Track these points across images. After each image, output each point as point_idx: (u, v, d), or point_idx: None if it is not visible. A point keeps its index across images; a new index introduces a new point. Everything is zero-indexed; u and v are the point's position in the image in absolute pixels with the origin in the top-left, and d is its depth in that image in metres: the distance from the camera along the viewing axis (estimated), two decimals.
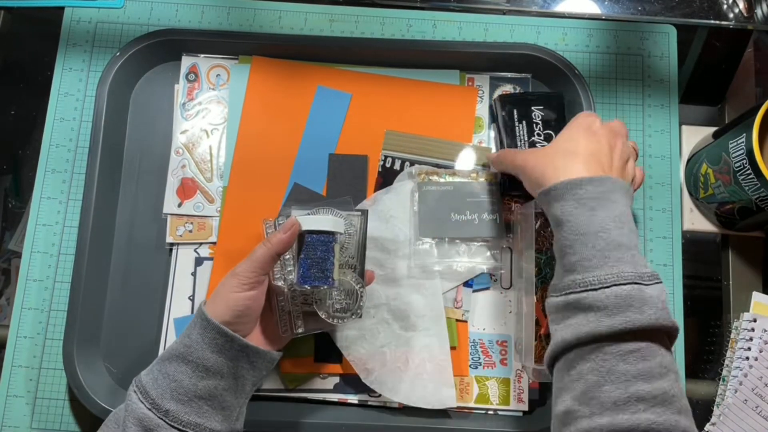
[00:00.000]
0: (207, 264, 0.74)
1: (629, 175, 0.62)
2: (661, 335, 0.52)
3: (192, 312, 0.73)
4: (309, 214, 0.66)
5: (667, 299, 0.52)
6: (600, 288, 0.52)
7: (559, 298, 0.55)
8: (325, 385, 0.72)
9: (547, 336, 0.69)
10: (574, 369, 0.52)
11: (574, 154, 0.59)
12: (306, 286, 0.62)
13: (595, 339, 0.51)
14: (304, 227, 0.62)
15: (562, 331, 0.53)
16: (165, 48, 0.78)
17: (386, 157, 0.76)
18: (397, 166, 0.76)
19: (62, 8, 0.81)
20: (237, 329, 0.58)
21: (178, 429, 0.55)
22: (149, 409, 0.55)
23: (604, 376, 0.50)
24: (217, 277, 0.73)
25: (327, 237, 0.62)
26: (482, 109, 0.78)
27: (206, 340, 0.57)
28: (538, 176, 0.60)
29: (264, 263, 0.60)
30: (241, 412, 0.60)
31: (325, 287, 0.62)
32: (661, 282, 0.53)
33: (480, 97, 0.79)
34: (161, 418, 0.55)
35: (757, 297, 0.74)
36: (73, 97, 0.78)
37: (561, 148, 0.61)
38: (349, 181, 0.76)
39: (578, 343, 0.52)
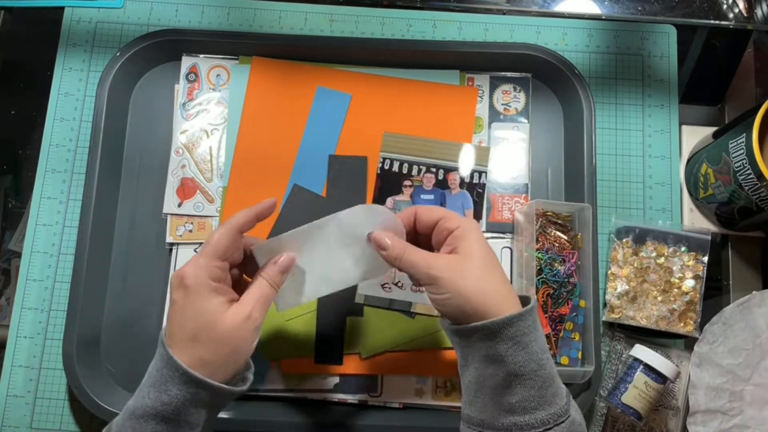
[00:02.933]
0: None
1: None
2: None
3: None
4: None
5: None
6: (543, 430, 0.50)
7: None
8: (325, 385, 0.72)
9: (546, 336, 0.69)
10: None
11: (498, 284, 0.53)
12: None
13: None
14: None
15: None
16: (165, 48, 0.78)
17: (385, 159, 0.76)
18: (395, 168, 0.76)
19: (62, 8, 0.81)
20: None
21: None
22: None
23: None
24: None
25: None
26: (482, 109, 0.78)
27: (189, 398, 0.51)
28: (462, 306, 0.52)
29: (269, 302, 0.56)
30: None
31: None
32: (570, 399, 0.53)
33: (480, 96, 0.79)
34: None
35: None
36: (73, 97, 0.78)
37: (480, 275, 0.53)
38: (349, 182, 0.76)
39: None
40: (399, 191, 0.75)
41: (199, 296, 0.52)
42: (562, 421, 0.51)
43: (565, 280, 0.71)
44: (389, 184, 0.76)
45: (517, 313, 0.51)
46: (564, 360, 0.70)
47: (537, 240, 0.72)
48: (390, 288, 0.72)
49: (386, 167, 0.76)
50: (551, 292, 0.71)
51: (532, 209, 0.71)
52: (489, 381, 0.52)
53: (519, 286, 0.73)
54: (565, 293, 0.71)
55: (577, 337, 0.70)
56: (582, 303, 0.71)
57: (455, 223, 0.56)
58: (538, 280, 0.71)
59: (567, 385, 0.55)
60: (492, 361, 0.51)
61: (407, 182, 0.76)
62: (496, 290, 0.53)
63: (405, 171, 0.76)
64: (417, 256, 0.55)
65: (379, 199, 0.75)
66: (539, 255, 0.71)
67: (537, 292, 0.70)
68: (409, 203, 0.75)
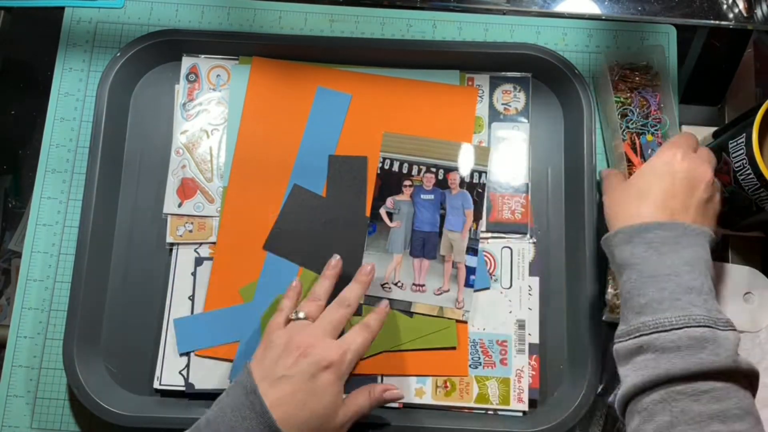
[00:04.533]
0: (207, 264, 0.74)
1: (710, 217, 0.60)
2: (739, 378, 0.49)
3: (192, 312, 0.73)
4: None
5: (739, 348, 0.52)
6: (671, 329, 0.50)
7: (628, 341, 0.53)
8: None
9: None
10: (645, 410, 0.50)
11: (646, 197, 0.58)
12: None
13: (669, 380, 0.49)
14: None
15: (633, 375, 0.52)
16: (165, 48, 0.78)
17: (385, 159, 0.76)
18: (396, 168, 0.76)
19: (62, 8, 0.81)
20: None
21: None
22: None
23: (677, 416, 0.48)
24: (217, 277, 0.73)
25: None
26: (482, 109, 0.78)
27: None
28: (611, 217, 0.60)
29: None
30: None
31: None
32: (735, 329, 0.52)
33: (480, 96, 0.79)
34: None
35: None
36: (73, 97, 0.78)
37: (635, 188, 0.60)
38: (349, 182, 0.76)
39: (651, 385, 0.50)
40: (399, 191, 0.75)
41: (335, 393, 0.57)
42: (697, 326, 0.50)
43: (649, 121, 0.76)
44: (389, 184, 0.75)
45: (655, 221, 0.55)
46: None
47: (616, 87, 0.76)
48: (390, 288, 0.72)
49: (386, 167, 0.76)
50: (639, 133, 0.76)
51: (603, 62, 0.77)
52: (625, 287, 0.55)
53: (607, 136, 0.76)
54: (653, 131, 0.76)
55: None
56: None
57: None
58: (624, 121, 0.75)
59: None
60: (626, 266, 0.55)
61: (407, 182, 0.76)
62: (637, 205, 0.58)
63: (405, 171, 0.76)
64: (610, 173, 0.68)
65: (379, 199, 0.75)
66: (617, 99, 0.75)
67: (624, 134, 0.75)
68: (409, 203, 0.75)
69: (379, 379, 0.72)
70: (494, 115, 0.78)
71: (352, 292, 0.63)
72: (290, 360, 0.57)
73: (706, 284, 0.53)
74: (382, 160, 0.76)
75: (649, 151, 0.75)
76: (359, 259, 0.74)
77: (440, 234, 0.74)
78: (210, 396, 0.70)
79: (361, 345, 0.60)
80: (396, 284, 0.73)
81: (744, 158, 0.66)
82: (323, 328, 0.60)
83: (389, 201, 0.75)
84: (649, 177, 0.60)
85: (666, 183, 0.59)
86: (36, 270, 0.74)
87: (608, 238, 0.58)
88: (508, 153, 0.77)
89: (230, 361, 0.71)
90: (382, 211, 0.75)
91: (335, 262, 0.68)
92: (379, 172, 0.76)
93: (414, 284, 0.73)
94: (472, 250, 0.74)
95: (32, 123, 0.79)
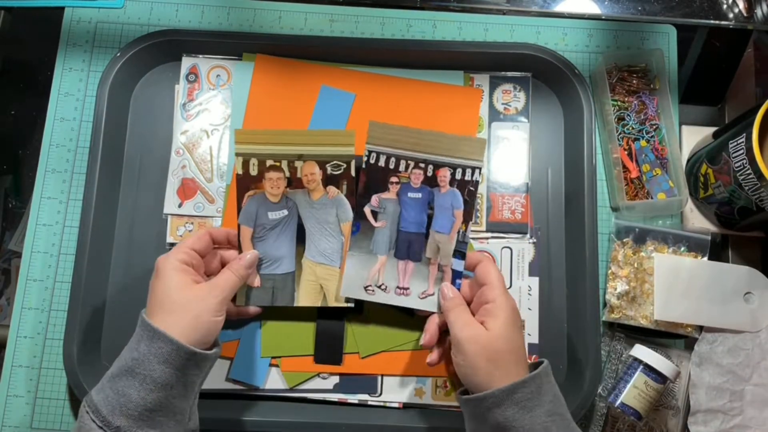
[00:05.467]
0: None
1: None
2: None
3: None
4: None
5: None
6: None
7: None
8: (325, 385, 0.72)
9: (638, 179, 0.75)
10: None
11: (508, 356, 0.58)
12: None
13: None
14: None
15: None
16: (165, 48, 0.78)
17: (371, 152, 0.71)
18: (382, 163, 0.71)
19: (62, 8, 0.81)
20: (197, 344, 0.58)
21: None
22: (100, 428, 0.54)
23: None
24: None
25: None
26: (482, 109, 0.78)
27: (154, 351, 0.56)
28: (470, 376, 0.59)
29: (231, 287, 0.63)
30: (192, 411, 0.60)
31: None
32: None
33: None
34: None
35: None
36: (73, 97, 0.78)
37: (494, 347, 0.59)
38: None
39: None
40: (385, 188, 0.71)
41: (167, 274, 0.60)
42: None
43: (645, 127, 0.76)
44: (375, 180, 0.71)
45: (520, 380, 0.56)
46: (661, 196, 0.75)
47: (613, 89, 0.77)
48: (373, 290, 0.70)
49: (372, 161, 0.71)
50: (634, 139, 0.77)
51: (602, 66, 0.76)
52: None
53: (603, 138, 0.76)
54: (648, 137, 0.77)
55: (659, 172, 0.74)
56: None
57: (491, 296, 0.61)
58: (621, 125, 0.77)
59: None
60: (501, 428, 0.56)
61: (394, 179, 0.71)
62: (507, 363, 0.58)
63: (392, 166, 0.71)
64: (457, 317, 0.63)
65: (365, 196, 0.71)
66: (614, 102, 0.76)
67: (621, 140, 0.76)
68: (395, 201, 0.71)
69: (379, 379, 0.72)
70: (494, 115, 0.78)
71: (226, 282, 0.63)
72: None
73: (563, 417, 0.57)
74: (367, 153, 0.71)
75: (643, 156, 0.75)
76: None
77: (427, 235, 0.70)
78: (210, 396, 0.71)
79: (190, 239, 0.64)
80: (379, 287, 0.70)
81: (744, 158, 0.66)
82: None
83: (374, 199, 0.71)
84: (511, 333, 0.60)
85: (518, 334, 0.61)
86: (36, 270, 0.74)
87: (476, 401, 0.58)
88: (508, 152, 0.77)
89: (230, 359, 0.71)
90: (367, 210, 0.71)
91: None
92: (364, 166, 0.71)
93: (398, 287, 0.70)
94: (459, 254, 0.69)
95: (32, 123, 0.79)
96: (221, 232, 0.68)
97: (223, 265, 0.68)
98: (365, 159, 0.71)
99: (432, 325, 0.67)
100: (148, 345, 0.56)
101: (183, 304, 0.59)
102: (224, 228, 0.70)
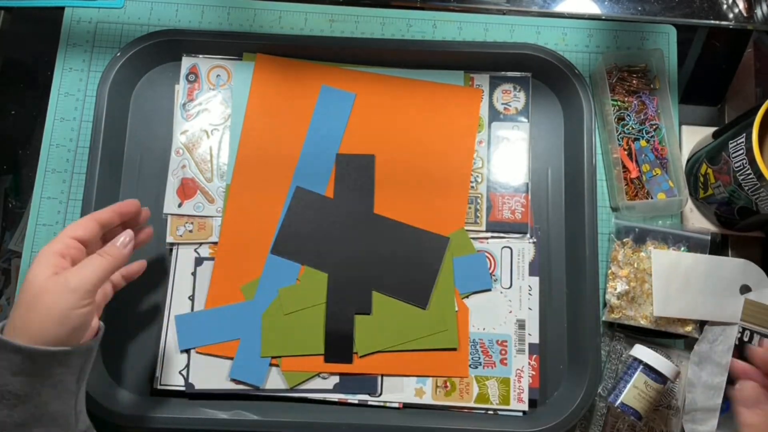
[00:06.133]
0: (207, 264, 0.74)
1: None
2: None
3: (192, 311, 0.73)
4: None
5: None
6: None
7: None
8: (325, 385, 0.72)
9: (638, 179, 0.75)
10: None
11: None
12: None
13: None
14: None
15: None
16: (165, 48, 0.78)
17: (744, 329, 0.71)
18: (755, 343, 0.71)
19: (62, 8, 0.81)
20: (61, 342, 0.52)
21: None
22: None
23: None
24: (219, 275, 0.73)
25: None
26: (482, 109, 0.78)
27: (3, 364, 0.49)
28: None
29: (107, 277, 0.56)
30: (79, 411, 0.55)
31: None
32: None
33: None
34: None
35: None
36: (73, 97, 0.78)
37: None
38: (356, 180, 0.75)
39: None
40: None
41: (34, 265, 0.53)
42: None
43: (645, 127, 0.76)
44: (746, 358, 0.68)
45: None
46: (661, 196, 0.74)
47: (613, 90, 0.77)
48: None
49: (745, 339, 0.70)
50: (634, 139, 0.77)
51: (602, 66, 0.76)
52: None
53: (603, 138, 0.76)
54: (648, 137, 0.77)
55: (659, 172, 0.74)
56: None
57: None
58: (620, 125, 0.77)
59: None
60: None
61: None
62: None
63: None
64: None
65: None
66: (614, 102, 0.76)
67: (621, 140, 0.76)
68: None
69: (379, 379, 0.72)
70: (494, 115, 0.78)
71: (90, 266, 0.55)
72: None
73: None
74: (741, 330, 0.71)
75: (643, 156, 0.75)
76: (365, 261, 0.73)
77: None
78: (210, 396, 0.71)
79: (72, 225, 0.58)
80: None
81: (744, 158, 0.66)
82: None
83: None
84: None
85: None
86: None
87: None
88: (508, 152, 0.78)
89: (231, 358, 0.71)
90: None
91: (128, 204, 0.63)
92: (737, 343, 0.70)
93: None
94: None
95: (32, 123, 0.79)
96: (106, 212, 0.61)
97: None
98: (738, 336, 0.71)
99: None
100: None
101: (41, 298, 0.51)
102: (114, 206, 0.62)
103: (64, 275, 0.53)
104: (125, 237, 0.60)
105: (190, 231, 0.74)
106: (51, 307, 0.51)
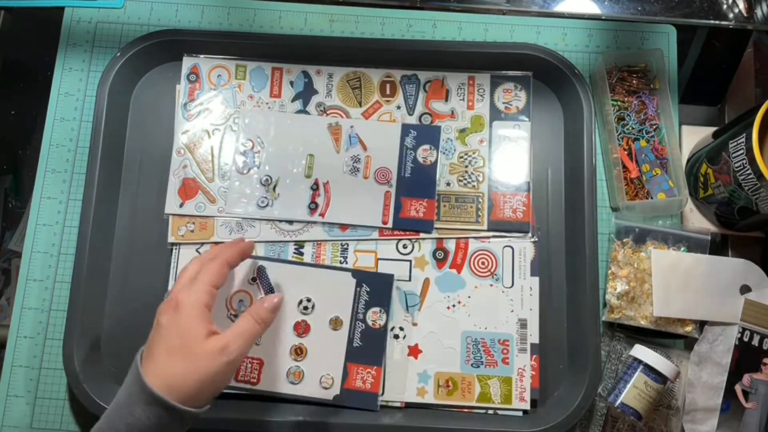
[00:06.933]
0: None
1: None
2: None
3: None
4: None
5: None
6: None
7: None
8: (325, 396, 0.71)
9: (638, 179, 0.75)
10: None
11: None
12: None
13: None
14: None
15: None
16: (165, 48, 0.78)
17: (744, 329, 0.71)
18: (756, 342, 0.71)
19: (62, 8, 0.81)
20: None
21: None
22: None
23: None
24: None
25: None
26: (483, 108, 0.78)
27: (157, 422, 0.51)
28: None
29: (251, 338, 0.58)
30: None
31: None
32: None
33: (481, 95, 0.79)
34: None
35: None
36: (73, 97, 0.78)
37: None
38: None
39: None
40: (757, 368, 0.71)
41: (190, 317, 0.54)
42: None
43: (645, 127, 0.76)
44: (747, 359, 0.71)
45: None
46: (660, 196, 0.74)
47: (613, 90, 0.77)
48: None
49: (745, 339, 0.71)
50: (634, 139, 0.77)
51: (602, 68, 0.76)
52: None
53: (603, 137, 0.77)
54: (648, 137, 0.77)
55: (659, 172, 0.74)
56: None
57: None
58: (620, 125, 0.77)
59: None
60: None
61: (767, 360, 0.72)
62: None
63: (766, 347, 0.72)
64: None
65: (735, 374, 0.71)
66: (614, 102, 0.76)
67: (621, 140, 0.76)
68: (766, 383, 0.71)
69: (381, 378, 0.71)
70: (495, 114, 0.78)
71: (244, 334, 0.57)
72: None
73: None
74: (741, 330, 0.71)
75: (643, 156, 0.75)
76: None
77: None
78: None
79: (213, 274, 0.58)
80: None
81: (744, 158, 0.66)
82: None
83: (746, 378, 0.71)
84: None
85: None
86: (36, 270, 0.74)
87: None
88: (509, 152, 0.78)
89: None
90: (738, 388, 0.71)
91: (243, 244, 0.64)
92: (737, 343, 0.71)
93: None
94: None
95: (32, 123, 0.79)
96: (234, 256, 0.62)
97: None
98: (738, 336, 0.71)
99: None
100: (146, 411, 0.51)
101: (192, 361, 0.53)
102: (236, 249, 0.63)
103: (223, 343, 0.54)
104: (277, 301, 0.61)
105: (192, 231, 0.74)
106: (206, 378, 0.53)
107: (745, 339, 0.71)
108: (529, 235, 0.75)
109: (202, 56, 0.79)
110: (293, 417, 0.70)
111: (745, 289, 0.73)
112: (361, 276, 0.74)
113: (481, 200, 0.76)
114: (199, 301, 0.56)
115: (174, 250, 0.74)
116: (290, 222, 0.75)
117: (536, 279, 0.74)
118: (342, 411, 0.71)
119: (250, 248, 0.66)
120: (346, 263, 0.75)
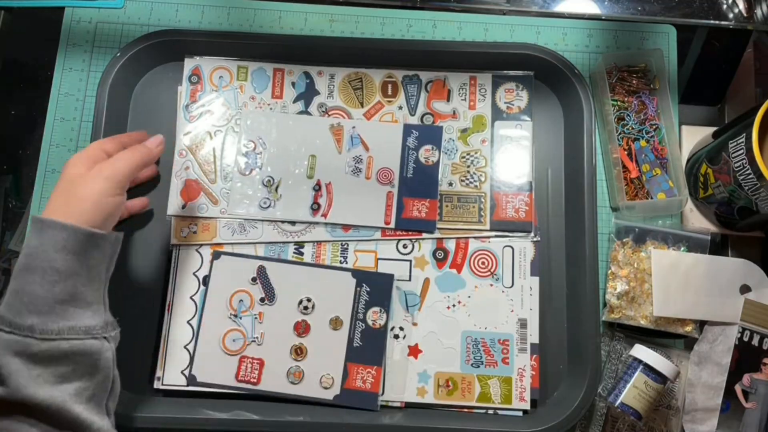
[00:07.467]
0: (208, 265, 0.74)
1: None
2: None
3: (195, 312, 0.73)
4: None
5: None
6: None
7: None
8: (325, 396, 0.72)
9: (638, 179, 0.75)
10: None
11: None
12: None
13: None
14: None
15: None
16: (165, 49, 0.78)
17: (744, 329, 0.71)
18: (756, 342, 0.71)
19: (62, 8, 0.81)
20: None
21: (51, 339, 0.53)
22: (10, 332, 0.52)
23: None
24: None
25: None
26: (485, 107, 0.78)
27: (48, 241, 0.54)
28: None
29: (137, 170, 0.62)
30: (106, 302, 0.59)
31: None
32: None
33: (482, 95, 0.79)
34: (27, 336, 0.52)
35: None
36: (73, 97, 0.78)
37: None
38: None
39: None
40: (757, 368, 0.72)
41: (68, 166, 0.60)
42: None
43: (645, 127, 0.77)
44: (747, 359, 0.71)
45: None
46: (660, 196, 0.75)
47: (613, 90, 0.77)
48: None
49: (745, 339, 0.71)
50: (634, 139, 0.77)
51: (602, 68, 0.76)
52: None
53: (603, 138, 0.77)
54: (648, 137, 0.77)
55: (659, 172, 0.74)
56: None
57: None
58: (620, 125, 0.77)
59: None
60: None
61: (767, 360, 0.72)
62: None
63: (766, 347, 0.72)
64: None
65: (735, 374, 0.71)
66: (615, 102, 0.76)
67: (621, 140, 0.76)
68: (766, 383, 0.71)
69: (381, 378, 0.72)
70: (497, 114, 0.79)
71: (123, 158, 0.62)
72: None
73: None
74: (741, 330, 0.72)
75: (643, 156, 0.76)
76: None
77: None
78: (210, 395, 0.71)
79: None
80: None
81: (744, 158, 0.66)
82: None
83: (746, 378, 0.71)
84: None
85: None
86: None
87: None
88: (511, 151, 0.78)
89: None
90: (738, 388, 0.71)
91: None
92: (737, 343, 0.71)
93: None
94: None
95: (32, 123, 0.79)
96: (132, 135, 0.68)
97: None
98: (738, 335, 0.71)
99: None
100: (38, 237, 0.54)
101: (78, 186, 0.58)
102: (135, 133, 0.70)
103: (98, 167, 0.59)
104: (157, 139, 0.67)
105: (194, 232, 0.74)
106: (87, 194, 0.57)
107: (745, 339, 0.71)
108: (532, 234, 0.75)
109: (203, 57, 0.79)
110: (293, 417, 0.70)
111: (745, 289, 0.73)
112: (361, 276, 0.74)
113: (483, 200, 0.76)
114: (80, 155, 0.60)
115: (174, 252, 0.74)
116: (293, 223, 0.75)
117: (536, 279, 0.75)
118: (342, 411, 0.71)
119: (139, 138, 0.68)
120: (346, 263, 0.75)
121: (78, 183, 0.58)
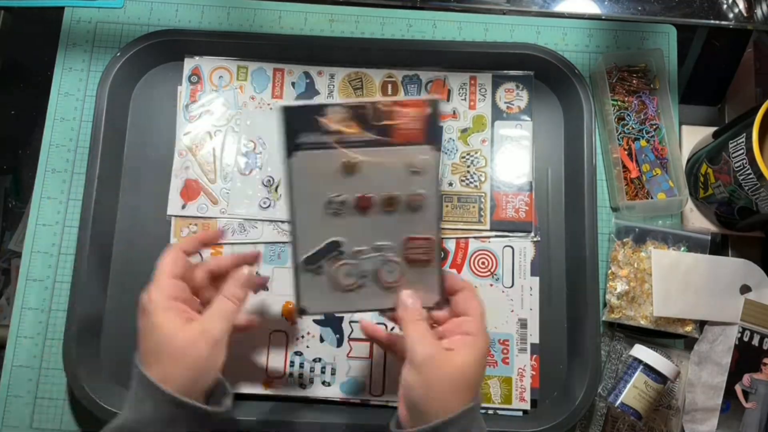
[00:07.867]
0: None
1: None
2: None
3: None
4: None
5: None
6: None
7: None
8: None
9: (638, 179, 0.75)
10: None
11: (476, 385, 0.53)
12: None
13: None
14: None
15: None
16: (165, 48, 0.78)
17: (744, 329, 0.72)
18: (756, 342, 0.71)
19: (62, 8, 0.81)
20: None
21: None
22: None
23: None
24: None
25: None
26: (485, 107, 0.78)
27: (167, 416, 0.51)
28: (426, 400, 0.52)
29: (229, 317, 0.56)
30: None
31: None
32: None
33: (482, 95, 0.79)
34: None
35: None
36: (73, 97, 0.78)
37: (465, 376, 0.52)
38: None
39: None
40: (757, 368, 0.72)
41: (156, 314, 0.54)
42: None
43: (645, 127, 0.77)
44: (747, 359, 0.71)
45: (442, 421, 0.50)
46: (661, 196, 0.75)
47: (613, 90, 0.77)
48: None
49: (745, 339, 0.72)
50: (634, 139, 0.77)
51: (603, 68, 0.76)
52: None
53: (603, 138, 0.78)
54: (648, 137, 0.77)
55: (659, 172, 0.74)
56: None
57: (473, 329, 0.54)
58: (621, 125, 0.77)
59: None
60: None
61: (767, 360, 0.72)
62: (445, 398, 0.52)
63: (766, 347, 0.72)
64: (422, 333, 0.54)
65: (736, 374, 0.71)
66: (615, 102, 0.76)
67: (621, 140, 0.76)
68: (766, 383, 0.72)
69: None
70: (497, 114, 0.79)
71: (220, 315, 0.57)
72: None
73: None
74: (741, 330, 0.72)
75: (643, 156, 0.76)
76: None
77: None
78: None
79: (161, 265, 0.58)
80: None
81: (744, 158, 0.66)
82: None
83: (746, 378, 0.72)
84: (478, 366, 0.54)
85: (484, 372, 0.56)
86: (36, 270, 0.74)
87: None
88: (511, 151, 0.78)
89: None
90: (738, 388, 0.71)
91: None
92: (737, 343, 0.72)
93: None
94: None
95: (32, 123, 0.79)
96: (191, 241, 0.62)
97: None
98: (738, 335, 0.71)
99: (378, 333, 0.63)
100: (155, 407, 0.51)
101: (175, 352, 0.53)
102: (196, 235, 0.66)
103: (201, 325, 0.54)
104: (244, 275, 0.59)
105: (194, 232, 0.74)
106: (196, 364, 0.53)
107: (745, 339, 0.71)
108: (532, 234, 0.75)
109: (203, 57, 0.79)
110: (293, 417, 0.70)
111: (745, 289, 0.73)
112: None
113: (483, 200, 0.76)
114: (161, 296, 0.55)
115: None
116: None
117: (536, 279, 0.75)
118: (342, 411, 0.71)
119: (214, 237, 0.65)
120: None
121: (178, 343, 0.53)
